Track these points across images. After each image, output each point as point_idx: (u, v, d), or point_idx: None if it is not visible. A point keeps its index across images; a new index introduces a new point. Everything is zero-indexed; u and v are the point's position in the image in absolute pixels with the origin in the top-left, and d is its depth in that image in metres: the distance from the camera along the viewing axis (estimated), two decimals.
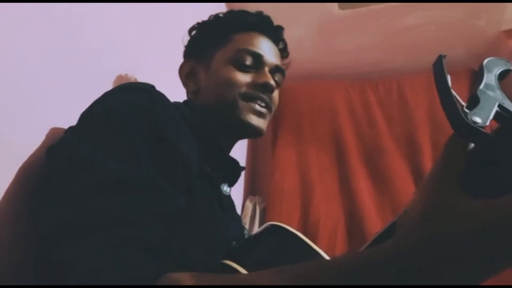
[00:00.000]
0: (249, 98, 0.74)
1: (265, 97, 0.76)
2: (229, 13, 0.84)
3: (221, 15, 0.85)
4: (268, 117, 0.79)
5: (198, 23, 0.87)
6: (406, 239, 0.32)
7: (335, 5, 1.76)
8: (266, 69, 0.78)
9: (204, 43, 0.82)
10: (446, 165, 0.34)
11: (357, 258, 0.34)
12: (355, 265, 0.33)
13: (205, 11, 0.88)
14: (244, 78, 0.75)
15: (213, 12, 0.87)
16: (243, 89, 0.74)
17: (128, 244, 0.41)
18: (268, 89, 0.76)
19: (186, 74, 0.82)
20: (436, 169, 0.35)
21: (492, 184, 0.33)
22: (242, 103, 0.74)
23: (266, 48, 0.79)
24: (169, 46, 1.26)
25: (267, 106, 0.77)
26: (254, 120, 0.75)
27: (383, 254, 0.32)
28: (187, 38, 0.87)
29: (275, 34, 0.84)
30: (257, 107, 0.75)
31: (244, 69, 0.76)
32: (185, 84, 0.83)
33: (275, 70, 0.80)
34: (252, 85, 0.75)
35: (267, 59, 0.78)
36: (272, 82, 0.76)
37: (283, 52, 0.87)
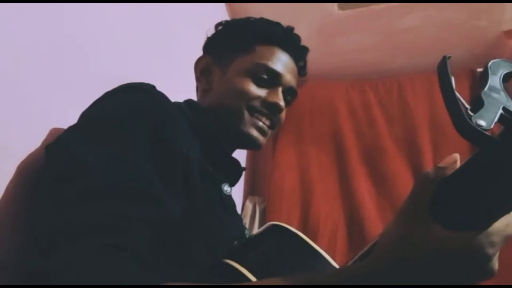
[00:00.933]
0: (255, 112, 0.75)
1: (271, 116, 0.77)
2: (257, 21, 0.84)
3: (249, 20, 0.84)
4: (269, 135, 0.79)
5: (226, 21, 0.86)
6: (380, 258, 0.40)
7: (335, 5, 1.76)
8: (280, 89, 0.77)
9: (226, 45, 0.82)
10: (414, 198, 0.40)
11: (342, 273, 0.43)
12: (340, 279, 0.40)
13: (205, 11, 0.87)
14: (256, 92, 0.75)
15: (213, 12, 0.87)
16: (252, 103, 0.75)
17: (116, 252, 0.41)
18: (277, 109, 0.76)
19: (201, 70, 0.82)
20: (407, 200, 0.41)
21: (458, 215, 0.37)
22: (247, 116, 0.74)
23: (285, 67, 0.79)
24: (169, 45, 1.26)
25: (271, 125, 0.78)
26: (255, 133, 0.75)
27: (363, 270, 0.40)
28: (212, 31, 0.85)
29: (299, 53, 0.83)
30: (260, 124, 0.76)
31: (259, 83, 0.76)
32: (198, 79, 0.83)
33: (288, 90, 0.80)
34: (262, 101, 0.75)
35: (284, 79, 0.78)
36: (282, 103, 0.76)
37: (302, 70, 0.86)
